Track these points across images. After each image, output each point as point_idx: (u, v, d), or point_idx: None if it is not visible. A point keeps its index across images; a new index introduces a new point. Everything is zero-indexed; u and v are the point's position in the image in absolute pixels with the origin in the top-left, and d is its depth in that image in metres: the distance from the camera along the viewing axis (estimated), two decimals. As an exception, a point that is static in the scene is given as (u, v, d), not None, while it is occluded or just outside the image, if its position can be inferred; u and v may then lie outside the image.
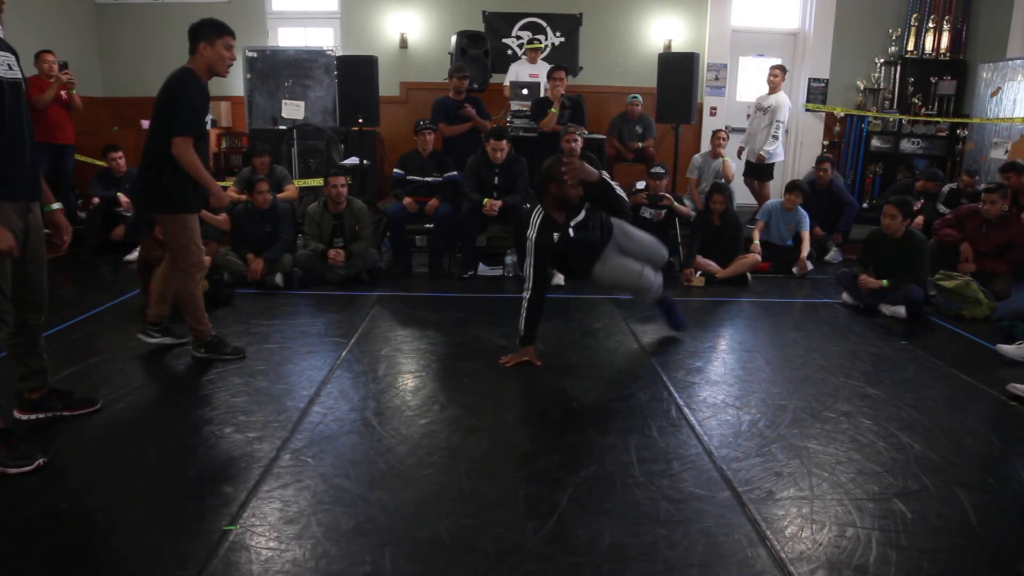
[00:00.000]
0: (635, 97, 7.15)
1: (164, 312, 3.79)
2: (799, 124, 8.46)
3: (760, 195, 7.32)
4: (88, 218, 6.27)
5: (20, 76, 2.60)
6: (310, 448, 2.76)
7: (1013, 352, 3.91)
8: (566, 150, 5.72)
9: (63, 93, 6.27)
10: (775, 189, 7.80)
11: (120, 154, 6.40)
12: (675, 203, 6.06)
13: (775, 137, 6.88)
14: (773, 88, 6.98)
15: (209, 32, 3.32)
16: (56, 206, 2.86)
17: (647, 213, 6.03)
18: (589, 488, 2.51)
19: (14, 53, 2.60)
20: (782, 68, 7.11)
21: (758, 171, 7.20)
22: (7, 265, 2.56)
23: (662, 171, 6.03)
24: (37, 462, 2.55)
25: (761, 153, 6.93)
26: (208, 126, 3.44)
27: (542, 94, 6.47)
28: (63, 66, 6.31)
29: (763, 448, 2.83)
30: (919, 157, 7.96)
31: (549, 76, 6.34)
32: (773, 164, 7.19)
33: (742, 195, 7.68)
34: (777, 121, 6.87)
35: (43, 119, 6.17)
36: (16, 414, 2.89)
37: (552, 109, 6.13)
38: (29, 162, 2.61)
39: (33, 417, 2.89)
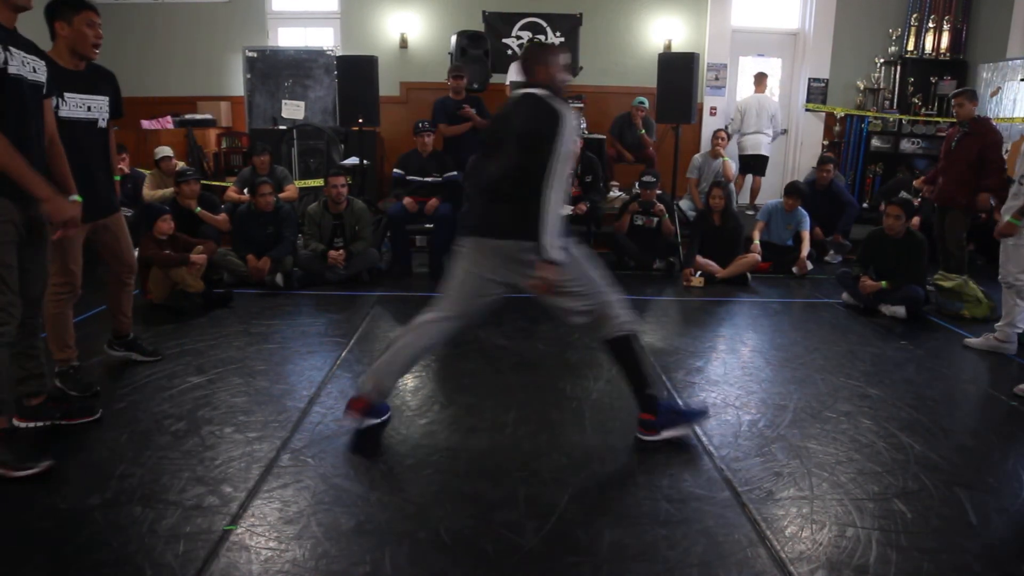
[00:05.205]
0: (642, 102, 7.14)
1: (122, 327, 3.64)
2: (799, 124, 8.46)
3: (751, 189, 7.68)
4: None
5: (43, 81, 2.61)
6: (310, 448, 2.76)
7: (980, 344, 4.09)
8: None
9: None
10: (769, 186, 7.90)
11: (124, 156, 6.34)
12: (665, 216, 6.02)
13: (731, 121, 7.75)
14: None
15: (65, 10, 2.98)
16: (74, 198, 2.76)
17: (639, 220, 6.03)
18: (589, 488, 2.51)
19: (45, 60, 2.61)
20: (759, 73, 7.78)
21: (749, 165, 7.59)
22: (12, 257, 2.53)
23: (653, 180, 6.01)
24: (45, 464, 2.52)
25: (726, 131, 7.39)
26: (60, 113, 2.94)
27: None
28: None
29: (763, 448, 2.83)
30: (919, 157, 7.95)
31: None
32: (762, 159, 7.55)
33: (743, 196, 7.74)
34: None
35: None
36: (15, 422, 2.83)
37: None
38: (36, 163, 2.59)
39: (32, 425, 2.85)
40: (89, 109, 3.12)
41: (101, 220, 3.28)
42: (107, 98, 3.21)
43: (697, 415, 2.97)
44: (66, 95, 3.01)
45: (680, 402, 2.97)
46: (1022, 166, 3.86)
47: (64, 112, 3.01)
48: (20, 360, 2.78)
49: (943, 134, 8.03)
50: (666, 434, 2.86)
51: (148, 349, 3.75)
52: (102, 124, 3.21)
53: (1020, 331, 4.05)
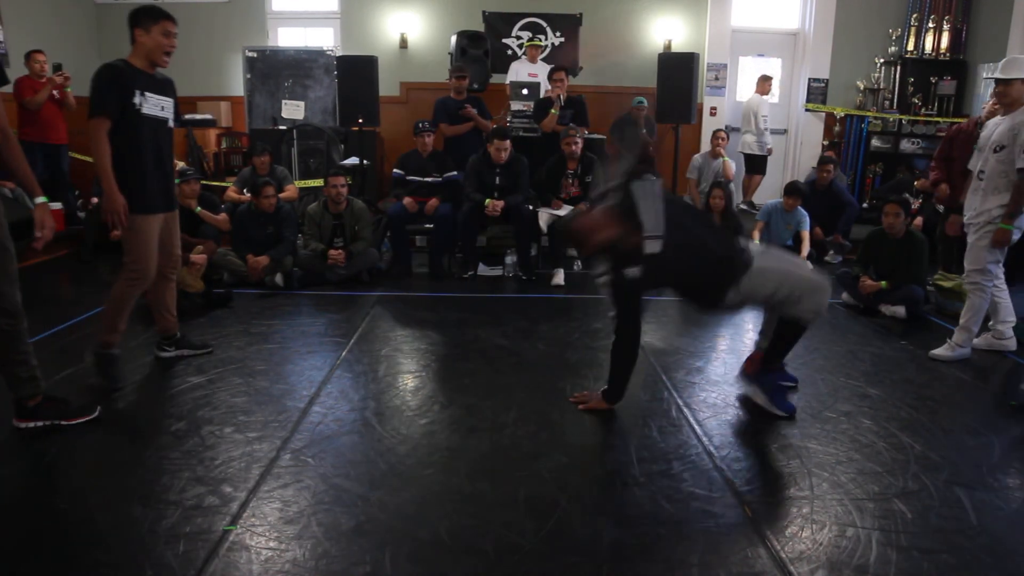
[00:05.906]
0: (641, 102, 7.15)
1: (170, 325, 3.69)
2: (799, 124, 8.47)
3: (749, 187, 7.78)
4: (88, 218, 6.27)
5: None
6: (310, 448, 2.76)
7: (947, 355, 3.93)
8: (566, 152, 5.72)
9: (55, 92, 6.28)
10: (769, 186, 7.94)
11: None
12: None
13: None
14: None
15: (145, 19, 3.22)
16: (40, 200, 2.80)
17: None
18: (589, 488, 2.51)
19: None
20: (762, 76, 7.80)
21: (749, 164, 7.74)
22: None
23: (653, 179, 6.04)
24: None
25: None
26: (143, 109, 3.21)
27: (542, 94, 6.48)
28: (57, 67, 6.31)
29: (763, 448, 2.84)
30: (919, 157, 7.96)
31: (549, 77, 6.36)
32: (761, 159, 7.67)
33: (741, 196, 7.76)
34: None
35: (37, 119, 6.19)
36: (15, 423, 2.83)
37: (552, 110, 6.13)
38: None
39: (31, 425, 2.83)
40: (163, 109, 3.36)
41: (169, 213, 3.45)
42: (173, 101, 3.44)
43: (782, 405, 3.15)
44: (147, 94, 3.23)
45: (783, 392, 3.27)
46: (975, 161, 3.83)
47: (146, 109, 3.24)
48: (12, 368, 2.75)
49: (943, 134, 8.05)
50: (748, 390, 3.28)
51: (197, 343, 3.83)
52: (171, 124, 3.43)
53: (1012, 323, 4.05)
